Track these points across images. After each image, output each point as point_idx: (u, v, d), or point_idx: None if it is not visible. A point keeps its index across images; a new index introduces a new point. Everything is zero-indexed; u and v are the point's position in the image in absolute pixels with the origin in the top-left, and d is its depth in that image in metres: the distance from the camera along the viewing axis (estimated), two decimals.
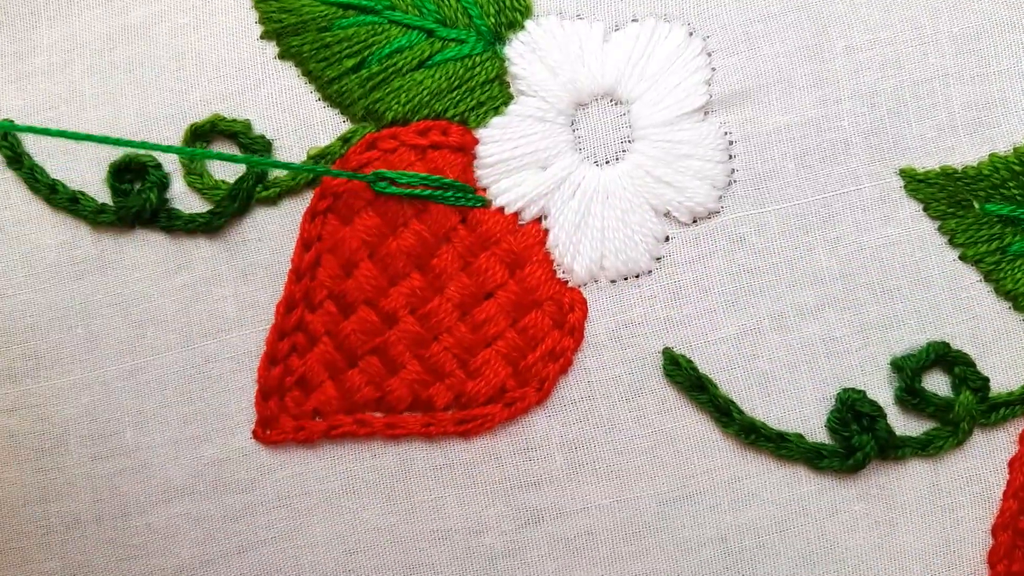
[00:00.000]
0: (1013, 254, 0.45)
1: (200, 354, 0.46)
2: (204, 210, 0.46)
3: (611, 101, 0.46)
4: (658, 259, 0.46)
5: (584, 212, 0.45)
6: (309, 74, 0.46)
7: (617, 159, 0.46)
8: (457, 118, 0.46)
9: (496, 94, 0.46)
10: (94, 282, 0.46)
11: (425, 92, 0.46)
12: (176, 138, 0.46)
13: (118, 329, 0.46)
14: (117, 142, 0.44)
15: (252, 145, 0.45)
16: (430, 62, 0.46)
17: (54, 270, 0.47)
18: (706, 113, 0.46)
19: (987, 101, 0.46)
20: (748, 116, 0.46)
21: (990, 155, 0.46)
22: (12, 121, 0.47)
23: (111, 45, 0.47)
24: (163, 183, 0.46)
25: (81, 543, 0.46)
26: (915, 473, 0.45)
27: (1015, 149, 0.46)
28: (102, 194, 0.47)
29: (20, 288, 0.47)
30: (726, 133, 0.46)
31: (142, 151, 0.46)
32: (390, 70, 0.46)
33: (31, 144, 0.47)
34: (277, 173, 0.46)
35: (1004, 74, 0.46)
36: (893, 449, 0.45)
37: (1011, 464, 0.45)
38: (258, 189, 0.46)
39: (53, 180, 0.46)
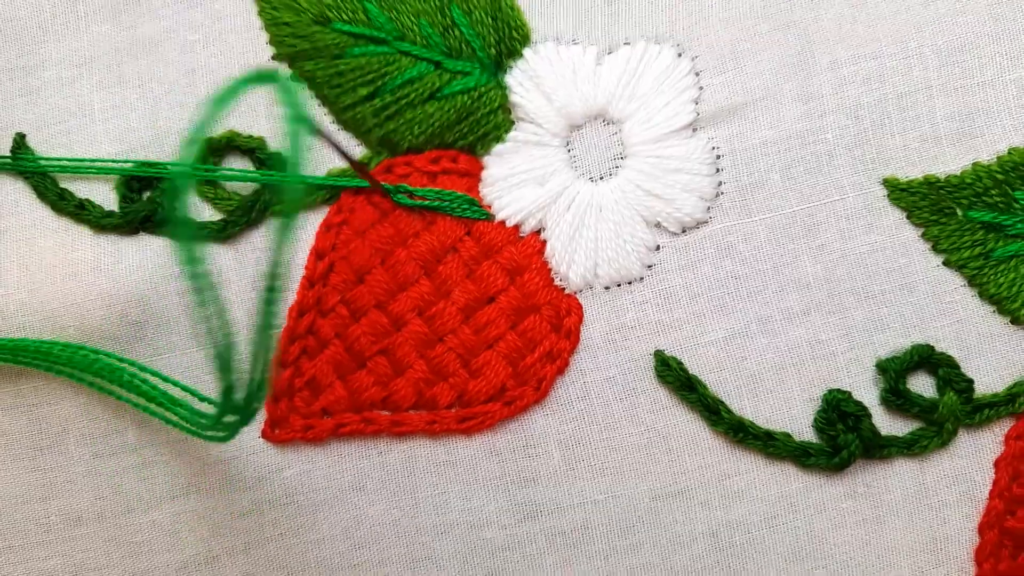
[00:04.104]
0: (996, 259, 0.47)
1: (206, 356, 0.47)
2: (214, 219, 0.48)
3: (604, 121, 0.49)
4: (649, 267, 0.48)
5: (579, 224, 0.48)
6: (323, 98, 0.49)
7: (610, 175, 0.48)
8: (466, 147, 0.49)
9: (500, 122, 0.49)
10: (87, 282, 0.48)
11: (436, 124, 0.49)
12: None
13: (114, 330, 0.47)
14: (135, 169, 0.47)
15: (268, 161, 0.48)
16: (439, 95, 0.49)
17: (49, 271, 0.48)
18: (694, 129, 0.48)
19: (970, 112, 0.47)
20: (735, 131, 0.48)
21: (973, 164, 0.47)
22: (24, 135, 0.49)
23: (120, 60, 0.49)
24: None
25: (83, 541, 0.47)
26: (902, 472, 0.47)
27: (998, 158, 0.47)
28: (110, 204, 0.49)
29: (15, 289, 0.48)
30: (714, 148, 0.48)
31: (157, 162, 0.48)
32: (402, 101, 0.49)
33: (43, 153, 0.49)
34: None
35: (987, 85, 0.47)
36: (878, 448, 0.46)
37: (997, 463, 0.46)
38: (274, 202, 0.48)
39: (61, 188, 0.48)
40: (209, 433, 0.43)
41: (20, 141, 0.49)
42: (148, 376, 0.46)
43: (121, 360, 0.46)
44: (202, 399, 0.46)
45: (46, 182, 0.49)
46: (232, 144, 0.49)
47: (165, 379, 0.46)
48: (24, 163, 0.49)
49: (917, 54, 0.48)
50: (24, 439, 0.48)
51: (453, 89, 0.49)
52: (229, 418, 0.40)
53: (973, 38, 0.48)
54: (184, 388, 0.46)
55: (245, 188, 0.49)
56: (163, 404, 0.44)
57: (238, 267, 0.48)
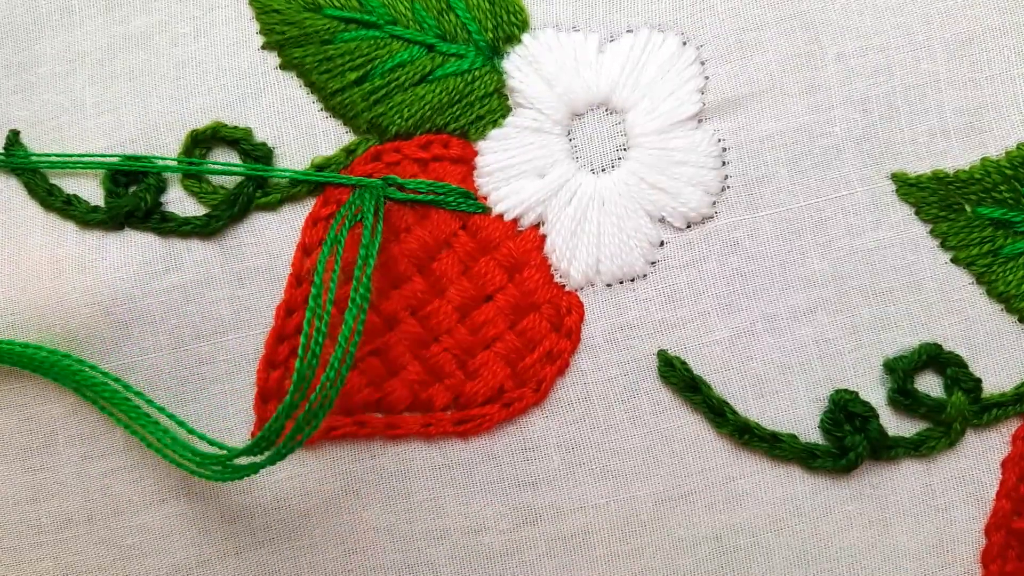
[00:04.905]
0: (1005, 256, 0.46)
1: (193, 356, 0.46)
2: (200, 214, 0.47)
3: (606, 111, 0.47)
4: (653, 263, 0.47)
5: (580, 218, 0.46)
6: (312, 85, 0.47)
7: (613, 166, 0.47)
8: (458, 131, 0.47)
9: (495, 107, 0.47)
10: (70, 281, 0.47)
11: (427, 107, 0.47)
12: (177, 145, 0.47)
13: (99, 328, 0.46)
14: (120, 163, 0.46)
15: (254, 152, 0.46)
16: (431, 77, 0.47)
17: (35, 268, 0.47)
18: (700, 121, 0.47)
19: (979, 106, 0.46)
20: (741, 123, 0.47)
21: (982, 159, 0.46)
22: (18, 132, 0.48)
23: (112, 55, 0.48)
24: (160, 187, 0.47)
25: (73, 543, 0.46)
26: (908, 473, 0.46)
27: (1007, 153, 0.46)
28: (100, 200, 0.47)
29: (3, 286, 0.47)
30: (719, 140, 0.47)
31: (142, 156, 0.47)
32: (392, 84, 0.47)
33: (35, 149, 0.48)
34: (278, 179, 0.47)
35: (996, 79, 0.47)
36: (886, 449, 0.45)
37: (1004, 464, 0.46)
38: (258, 195, 0.47)
39: (51, 185, 0.47)
40: (205, 471, 0.43)
41: (14, 138, 0.48)
42: (133, 396, 0.45)
43: (105, 375, 0.45)
44: (190, 431, 0.45)
45: (36, 179, 0.47)
46: (217, 135, 0.47)
47: (150, 403, 0.45)
48: (15, 159, 0.47)
49: (925, 47, 0.47)
50: (13, 440, 0.47)
51: (446, 71, 0.47)
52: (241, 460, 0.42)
53: (981, 31, 0.47)
54: (171, 417, 0.45)
55: (232, 181, 0.47)
56: (147, 428, 0.44)
57: (223, 262, 0.47)
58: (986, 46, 0.47)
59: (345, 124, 0.47)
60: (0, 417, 0.47)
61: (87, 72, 0.48)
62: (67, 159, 0.47)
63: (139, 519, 0.46)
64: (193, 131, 0.47)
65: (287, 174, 0.46)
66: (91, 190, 0.47)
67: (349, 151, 0.47)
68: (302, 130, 0.47)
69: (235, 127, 0.47)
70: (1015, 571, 0.45)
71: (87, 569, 0.46)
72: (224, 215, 0.46)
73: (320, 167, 0.47)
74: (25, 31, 0.49)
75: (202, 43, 0.48)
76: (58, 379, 0.45)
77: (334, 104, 0.47)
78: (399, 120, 0.47)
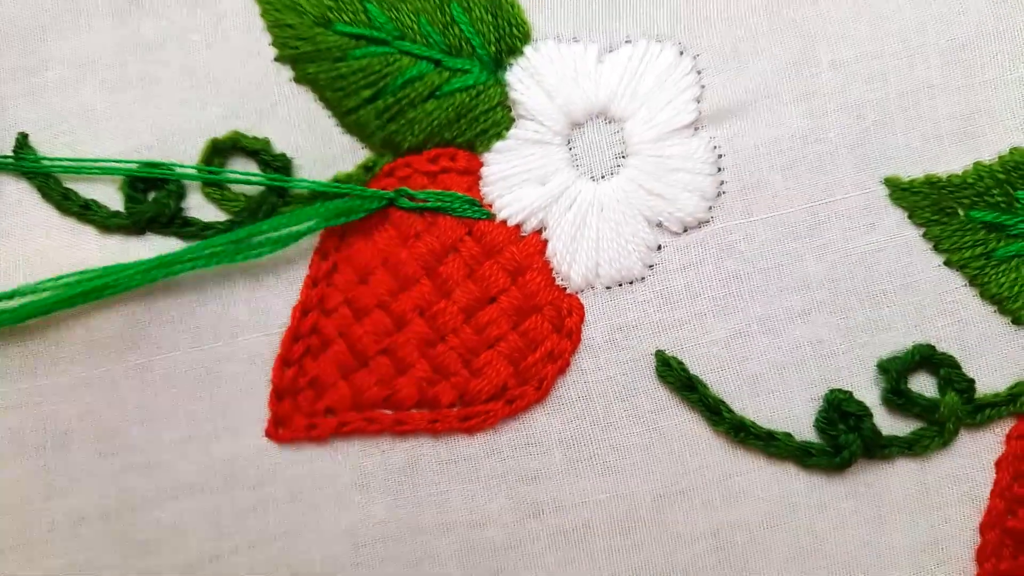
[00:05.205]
0: (998, 259, 0.47)
1: (210, 355, 0.48)
2: (219, 219, 0.48)
3: (605, 120, 0.49)
4: (651, 266, 0.48)
5: (580, 224, 0.48)
6: (326, 101, 0.49)
7: (612, 174, 0.48)
8: (464, 144, 0.49)
9: (499, 119, 0.49)
10: None
11: (436, 123, 0.49)
12: (191, 153, 0.48)
13: (118, 328, 0.48)
14: (139, 170, 0.48)
15: (273, 162, 0.48)
16: (439, 92, 0.49)
17: (54, 270, 0.47)
18: (696, 128, 0.48)
19: (972, 111, 0.47)
20: (737, 130, 0.48)
21: (975, 164, 0.47)
22: (27, 135, 0.49)
23: (122, 60, 0.49)
24: (180, 193, 0.49)
25: (87, 539, 0.47)
26: (903, 472, 0.47)
27: (1000, 158, 0.47)
28: (115, 205, 0.49)
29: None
30: (715, 147, 0.48)
31: (162, 163, 0.48)
32: (404, 101, 0.49)
33: (46, 153, 0.49)
34: (297, 190, 0.49)
35: (989, 84, 0.47)
36: (879, 448, 0.46)
37: (998, 463, 0.46)
38: (279, 204, 0.49)
39: (66, 189, 0.49)
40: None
41: (22, 141, 0.49)
42: None
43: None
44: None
45: (50, 182, 0.49)
46: (237, 145, 0.49)
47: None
48: (26, 163, 0.49)
49: (919, 53, 0.48)
50: (28, 438, 0.48)
51: (452, 87, 0.49)
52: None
53: (975, 37, 0.47)
54: None
55: (251, 189, 0.49)
56: None
57: (244, 266, 0.48)
58: (980, 51, 0.47)
59: (360, 140, 0.49)
60: (14, 415, 0.48)
61: (97, 77, 0.49)
62: (81, 163, 0.48)
63: (153, 515, 0.47)
64: (213, 140, 0.48)
65: (306, 184, 0.48)
66: (104, 194, 0.49)
67: (367, 168, 0.49)
68: (319, 142, 0.49)
69: (254, 138, 0.49)
70: (1009, 569, 0.45)
71: (100, 566, 0.47)
72: (246, 222, 0.48)
73: (340, 182, 0.49)
74: (33, 35, 0.49)
75: (215, 52, 0.49)
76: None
77: (349, 121, 0.49)
78: (411, 137, 0.49)
